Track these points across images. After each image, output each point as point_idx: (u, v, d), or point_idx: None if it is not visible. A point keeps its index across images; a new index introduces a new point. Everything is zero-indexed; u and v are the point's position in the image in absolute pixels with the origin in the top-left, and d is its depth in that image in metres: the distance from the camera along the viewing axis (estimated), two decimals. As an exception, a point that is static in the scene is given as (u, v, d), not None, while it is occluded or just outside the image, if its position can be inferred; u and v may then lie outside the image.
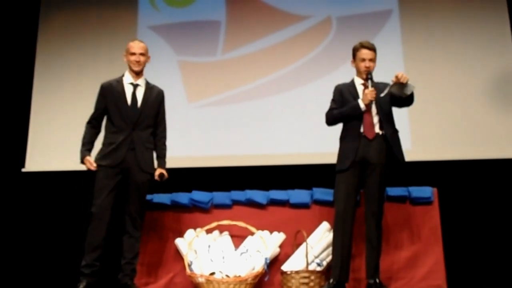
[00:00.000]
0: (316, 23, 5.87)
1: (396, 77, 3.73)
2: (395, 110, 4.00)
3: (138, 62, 4.06)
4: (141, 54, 4.09)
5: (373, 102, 3.87)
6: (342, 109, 3.97)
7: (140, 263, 4.25)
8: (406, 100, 3.87)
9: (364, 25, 5.76)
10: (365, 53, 3.94)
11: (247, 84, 5.78)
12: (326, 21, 5.86)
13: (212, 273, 3.99)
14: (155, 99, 4.12)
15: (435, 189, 4.35)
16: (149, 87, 4.14)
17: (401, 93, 3.79)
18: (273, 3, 5.98)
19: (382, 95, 3.80)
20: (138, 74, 4.10)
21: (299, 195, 4.41)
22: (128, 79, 4.09)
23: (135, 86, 4.08)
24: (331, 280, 3.78)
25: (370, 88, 3.85)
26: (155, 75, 5.81)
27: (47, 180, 5.70)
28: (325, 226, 4.22)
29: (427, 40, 5.71)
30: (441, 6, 5.79)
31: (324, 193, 4.36)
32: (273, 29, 5.88)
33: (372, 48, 3.96)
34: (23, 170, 5.72)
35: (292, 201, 4.39)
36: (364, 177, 3.85)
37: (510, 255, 5.06)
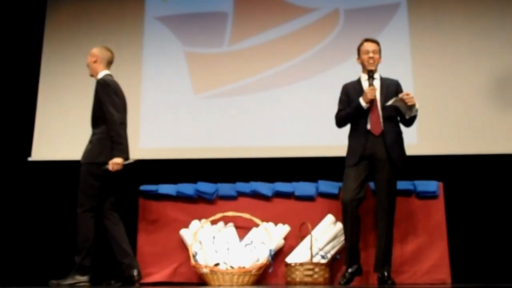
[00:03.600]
0: (323, 16, 5.84)
1: (406, 95, 3.83)
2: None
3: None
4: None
5: (378, 99, 3.93)
6: (347, 110, 4.04)
7: (145, 253, 4.30)
8: (406, 120, 3.99)
9: (371, 18, 5.73)
10: (368, 45, 4.05)
11: (254, 76, 5.76)
12: (334, 14, 5.83)
13: (217, 264, 4.00)
14: (95, 92, 4.19)
15: (440, 183, 4.34)
16: (96, 83, 4.23)
17: (403, 111, 3.90)
18: (280, -5, 5.97)
19: (387, 104, 3.87)
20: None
21: (304, 187, 4.42)
22: None
23: None
24: (349, 270, 3.84)
25: (370, 87, 3.91)
26: (161, 65, 5.88)
27: (54, 169, 5.72)
28: (330, 218, 4.23)
29: (434, 33, 5.68)
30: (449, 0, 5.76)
31: (329, 186, 4.37)
32: (280, 21, 5.85)
33: (375, 41, 4.08)
34: (30, 159, 5.73)
35: (297, 193, 4.39)
36: (374, 172, 3.91)
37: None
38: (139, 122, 5.71)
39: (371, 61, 4.00)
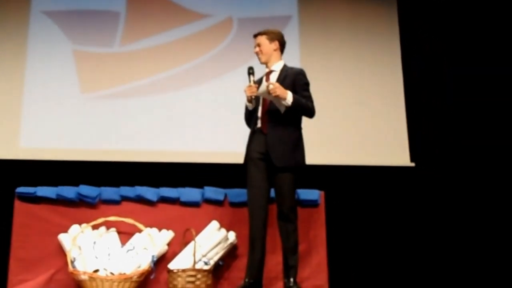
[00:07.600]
0: (217, 23, 5.89)
1: (271, 85, 3.66)
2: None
3: None
4: None
5: (262, 97, 3.81)
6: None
7: (19, 258, 4.07)
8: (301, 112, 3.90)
9: (264, 28, 5.83)
10: (254, 40, 4.01)
11: (144, 79, 5.68)
12: (227, 22, 5.90)
13: (96, 270, 3.88)
14: None
15: (322, 192, 4.48)
16: None
17: (277, 105, 3.75)
18: (174, -2, 5.94)
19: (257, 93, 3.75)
20: None
21: (190, 193, 4.39)
22: None
23: None
24: (246, 279, 3.79)
25: (248, 84, 3.85)
26: (47, 61, 5.62)
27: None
28: (214, 225, 4.24)
29: (324, 46, 5.93)
30: (338, 15, 6.03)
31: (215, 192, 4.38)
32: (173, 25, 5.82)
33: (258, 34, 3.99)
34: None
35: (182, 199, 4.36)
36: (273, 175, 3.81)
37: (390, 258, 5.34)
38: (20, 119, 5.45)
39: (258, 56, 3.98)
